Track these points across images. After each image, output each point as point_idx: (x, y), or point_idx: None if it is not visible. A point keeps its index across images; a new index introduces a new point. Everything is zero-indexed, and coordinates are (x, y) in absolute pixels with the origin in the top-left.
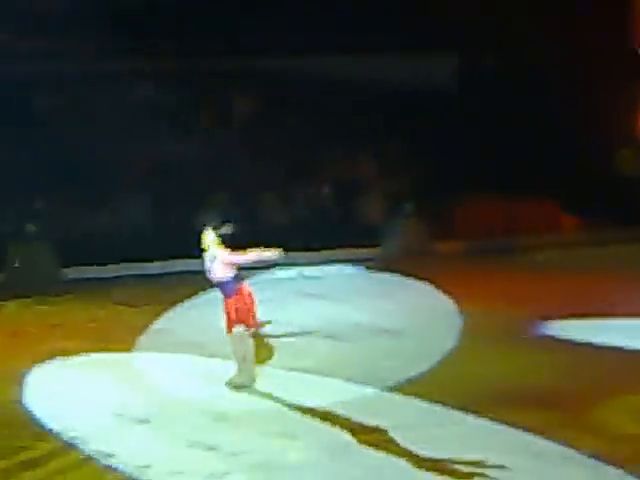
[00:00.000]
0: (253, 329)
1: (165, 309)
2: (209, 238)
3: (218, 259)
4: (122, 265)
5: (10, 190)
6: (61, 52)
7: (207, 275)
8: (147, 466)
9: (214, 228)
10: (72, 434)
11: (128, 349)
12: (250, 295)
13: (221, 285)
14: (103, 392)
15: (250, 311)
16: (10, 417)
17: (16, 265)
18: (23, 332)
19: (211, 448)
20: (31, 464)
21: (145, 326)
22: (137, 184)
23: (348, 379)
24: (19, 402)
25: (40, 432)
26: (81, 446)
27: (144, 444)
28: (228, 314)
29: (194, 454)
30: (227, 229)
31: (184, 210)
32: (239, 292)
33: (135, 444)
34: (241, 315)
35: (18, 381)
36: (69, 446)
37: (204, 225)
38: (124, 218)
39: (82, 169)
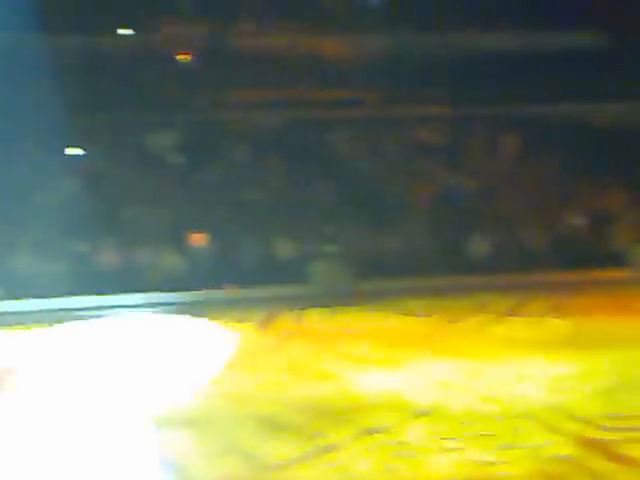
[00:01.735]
0: None
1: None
2: None
3: None
4: (406, 280)
5: (311, 216)
6: (352, 100)
7: None
8: None
9: None
10: None
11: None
12: None
13: None
14: None
15: None
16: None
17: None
18: (324, 335)
19: None
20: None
21: (427, 334)
22: (418, 211)
23: None
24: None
25: None
26: None
27: None
28: None
29: None
30: None
31: (458, 233)
32: None
33: None
34: None
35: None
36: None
37: None
38: (407, 239)
39: (371, 198)
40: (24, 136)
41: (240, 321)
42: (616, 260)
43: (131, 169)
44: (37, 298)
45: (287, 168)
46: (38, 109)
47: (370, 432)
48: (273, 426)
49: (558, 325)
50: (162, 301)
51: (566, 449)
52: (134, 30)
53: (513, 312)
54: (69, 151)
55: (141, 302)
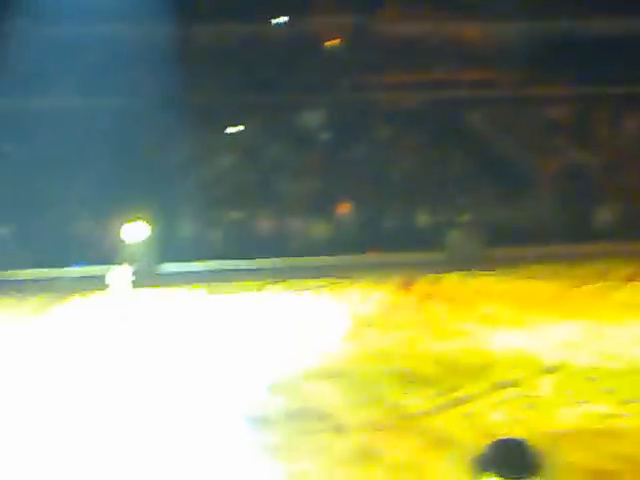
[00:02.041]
0: None
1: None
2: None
3: None
4: (534, 247)
5: (447, 188)
6: (487, 81)
7: None
8: None
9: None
10: None
11: (542, 314)
12: None
13: None
14: None
15: None
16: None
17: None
18: (458, 298)
19: None
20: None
21: (554, 298)
22: (546, 184)
23: None
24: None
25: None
26: None
27: None
28: None
29: None
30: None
31: (584, 205)
32: None
33: None
34: None
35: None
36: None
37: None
38: (536, 209)
39: (504, 171)
40: (190, 116)
41: (382, 283)
42: None
43: (284, 145)
44: (199, 261)
45: (426, 144)
46: (201, 92)
47: (501, 386)
48: (412, 379)
49: None
50: (308, 265)
51: None
52: (289, 19)
53: (634, 278)
54: (229, 129)
55: (289, 265)
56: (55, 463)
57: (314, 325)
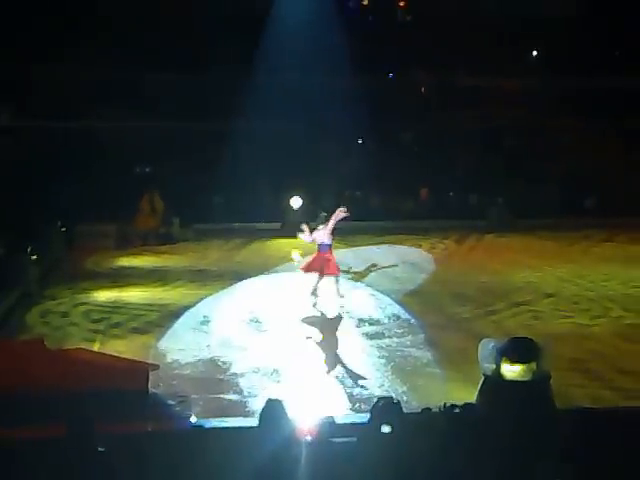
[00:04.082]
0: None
1: None
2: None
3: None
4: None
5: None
6: None
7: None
8: None
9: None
10: None
11: (548, 261)
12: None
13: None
14: None
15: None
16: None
17: None
18: (493, 249)
19: None
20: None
21: (556, 251)
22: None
23: None
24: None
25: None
26: None
27: None
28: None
29: None
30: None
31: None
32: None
33: None
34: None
35: None
36: None
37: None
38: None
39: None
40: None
41: (446, 238)
42: None
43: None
44: None
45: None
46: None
47: (517, 304)
48: (461, 298)
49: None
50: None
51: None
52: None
53: (608, 240)
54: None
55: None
56: None
57: (405, 261)
